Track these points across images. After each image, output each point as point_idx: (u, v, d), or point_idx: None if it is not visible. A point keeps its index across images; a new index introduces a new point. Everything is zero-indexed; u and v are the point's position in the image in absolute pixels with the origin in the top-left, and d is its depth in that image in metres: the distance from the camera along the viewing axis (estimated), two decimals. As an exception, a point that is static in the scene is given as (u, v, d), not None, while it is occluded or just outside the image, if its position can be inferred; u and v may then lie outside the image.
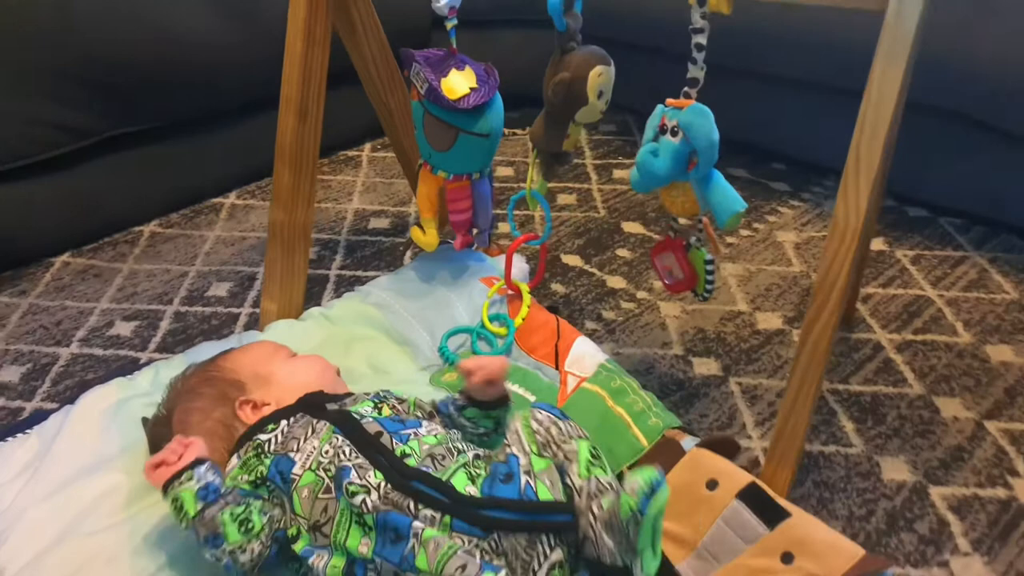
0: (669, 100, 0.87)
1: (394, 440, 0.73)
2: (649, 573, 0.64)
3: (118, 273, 1.32)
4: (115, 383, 0.98)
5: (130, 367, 1.06)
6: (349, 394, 0.85)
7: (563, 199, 1.53)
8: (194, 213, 1.50)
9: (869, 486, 0.90)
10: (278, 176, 1.10)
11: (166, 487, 0.70)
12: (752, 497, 0.77)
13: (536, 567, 0.65)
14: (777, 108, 1.58)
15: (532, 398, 0.96)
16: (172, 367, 0.98)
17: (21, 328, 1.19)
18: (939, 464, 0.93)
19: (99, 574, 0.75)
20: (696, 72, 0.85)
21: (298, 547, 0.70)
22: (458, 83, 0.99)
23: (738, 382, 1.05)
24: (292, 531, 0.70)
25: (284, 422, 0.77)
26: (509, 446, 0.74)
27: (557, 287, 1.26)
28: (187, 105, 1.43)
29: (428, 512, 0.67)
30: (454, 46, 1.02)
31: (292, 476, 0.71)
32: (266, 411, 0.80)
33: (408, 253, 1.37)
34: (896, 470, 0.92)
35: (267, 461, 0.73)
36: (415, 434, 0.75)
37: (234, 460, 0.76)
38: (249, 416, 0.80)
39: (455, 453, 0.74)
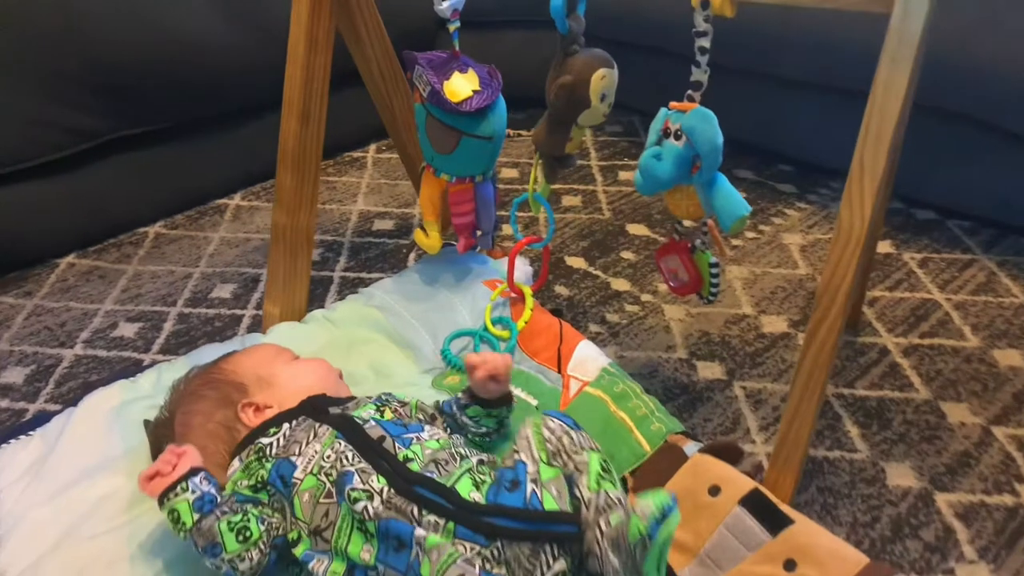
0: (672, 103, 0.87)
1: (397, 444, 0.73)
2: None
3: (122, 274, 1.32)
4: (117, 385, 0.98)
5: (133, 369, 1.07)
6: (352, 397, 0.84)
7: (568, 201, 1.53)
8: (199, 214, 1.51)
9: (874, 492, 0.89)
10: (281, 179, 1.10)
11: (161, 498, 0.70)
12: (755, 504, 0.76)
13: (539, 577, 0.65)
14: (784, 109, 1.57)
15: (534, 402, 0.95)
16: (175, 369, 0.98)
17: (26, 329, 1.19)
18: (945, 470, 0.92)
19: (99, 577, 0.75)
20: (699, 75, 0.84)
21: (298, 551, 0.70)
22: (461, 86, 0.99)
23: (742, 386, 1.05)
24: (293, 535, 0.70)
25: (286, 425, 0.77)
26: (518, 452, 0.74)
27: (561, 289, 1.26)
28: (192, 107, 1.43)
29: (431, 518, 0.67)
30: (457, 48, 1.02)
31: (293, 480, 0.71)
32: (268, 414, 0.80)
33: (412, 255, 1.37)
34: (902, 476, 0.91)
35: (268, 465, 0.73)
36: (417, 438, 0.75)
37: (236, 463, 0.76)
38: (251, 419, 0.80)
39: (459, 458, 0.74)
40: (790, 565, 0.72)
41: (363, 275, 1.31)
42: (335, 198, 1.56)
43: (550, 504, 0.68)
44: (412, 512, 0.67)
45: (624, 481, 0.83)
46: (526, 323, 1.06)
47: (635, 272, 1.30)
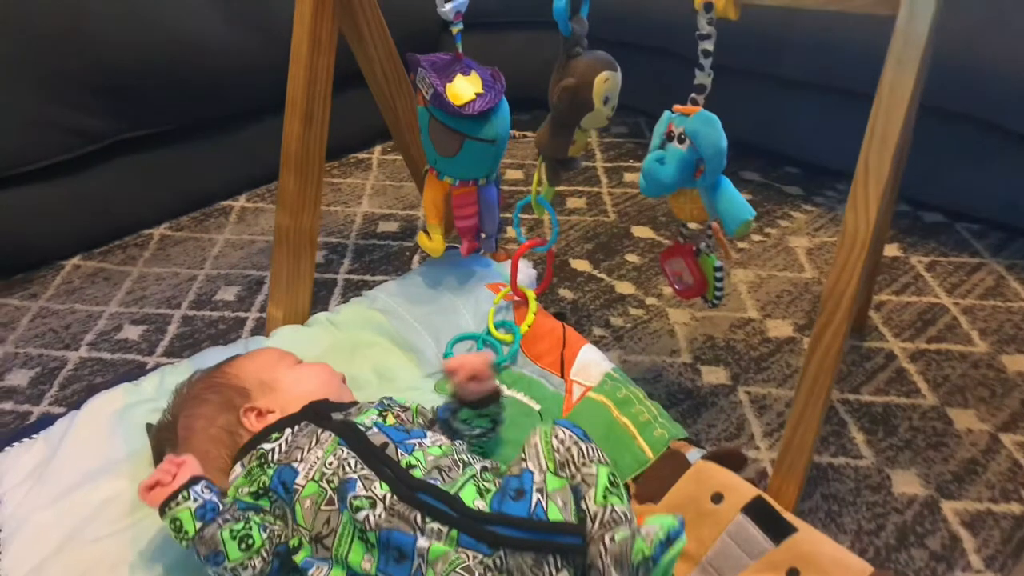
0: (676, 106, 0.86)
1: (399, 451, 0.73)
2: None
3: (127, 276, 1.33)
4: (121, 388, 0.98)
5: (137, 372, 1.07)
6: (354, 403, 0.84)
7: (573, 203, 1.52)
8: (204, 216, 1.51)
9: (879, 500, 0.88)
10: (284, 182, 1.10)
11: (163, 508, 0.70)
12: (758, 511, 0.75)
13: (542, 587, 0.64)
14: (790, 111, 1.56)
15: (537, 407, 0.95)
16: (178, 372, 0.98)
17: (31, 331, 1.19)
18: (952, 478, 0.91)
19: (101, 581, 0.75)
20: (703, 78, 0.84)
21: (299, 558, 0.70)
22: (463, 88, 0.98)
23: (747, 391, 1.04)
24: (294, 542, 0.70)
25: (288, 431, 0.77)
26: (525, 460, 0.73)
27: (565, 292, 1.25)
28: (196, 108, 1.43)
29: (435, 525, 0.66)
30: (460, 51, 1.02)
31: (295, 487, 0.71)
32: (271, 419, 0.80)
33: (416, 257, 1.36)
34: (907, 483, 0.90)
35: (270, 472, 0.72)
36: (420, 444, 0.75)
37: (238, 468, 0.76)
38: (254, 424, 0.80)
39: (462, 465, 0.74)
40: (793, 574, 0.71)
41: (367, 277, 1.31)
42: (340, 200, 1.56)
43: (555, 515, 0.68)
44: (415, 519, 0.66)
45: (626, 488, 0.83)
46: (529, 327, 1.05)
47: (640, 275, 1.29)
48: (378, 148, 1.77)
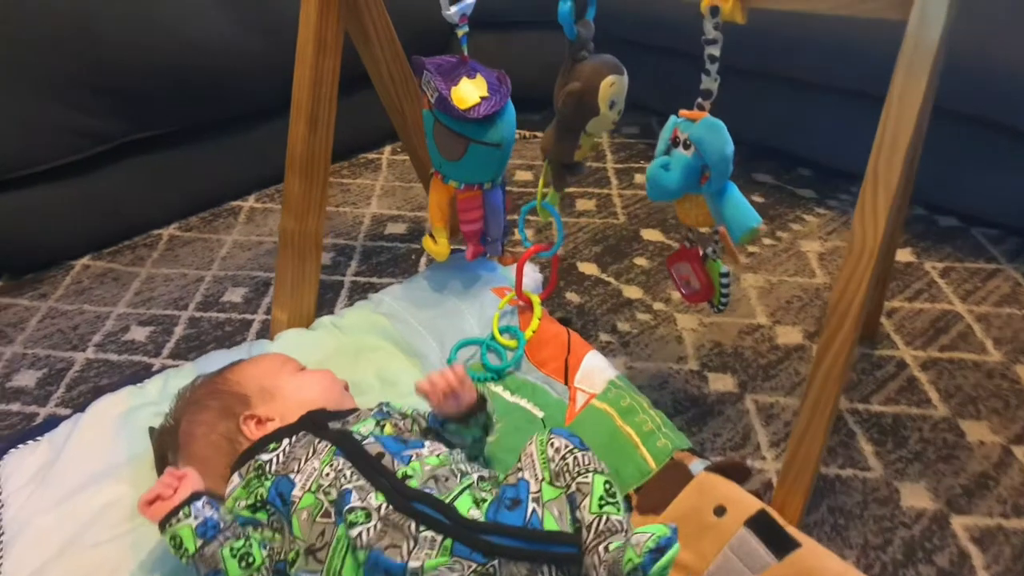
0: (682, 111, 0.85)
1: (396, 461, 0.72)
2: None
3: (136, 277, 1.33)
4: (125, 391, 0.98)
5: (143, 373, 1.07)
6: (353, 410, 0.84)
7: (582, 204, 1.51)
8: (213, 216, 1.51)
9: (887, 513, 0.87)
10: (289, 184, 1.09)
11: (163, 523, 0.70)
12: (761, 525, 0.74)
13: (536, 597, 0.64)
14: (804, 112, 1.54)
15: (540, 414, 0.94)
16: (182, 376, 0.98)
17: (39, 332, 1.20)
18: (962, 492, 0.89)
19: (101, 586, 0.76)
20: (709, 83, 0.82)
21: (292, 571, 0.69)
22: (468, 92, 0.97)
23: (754, 399, 1.02)
24: (291, 556, 0.69)
25: (286, 441, 0.76)
26: (521, 470, 0.73)
27: (572, 296, 1.24)
28: (205, 109, 1.43)
29: (429, 534, 0.66)
30: (465, 53, 1.01)
31: (292, 498, 0.71)
32: (270, 427, 0.80)
33: (423, 260, 1.36)
34: (916, 497, 0.88)
35: (267, 483, 0.72)
36: (417, 455, 0.74)
37: (236, 479, 0.75)
38: (253, 431, 0.80)
39: (459, 475, 0.73)
40: (796, 590, 0.70)
41: (374, 280, 1.31)
42: (349, 200, 1.56)
43: (550, 524, 0.68)
44: (410, 528, 0.66)
45: (628, 499, 0.82)
46: (534, 332, 1.04)
47: (648, 279, 1.28)
48: (388, 148, 1.76)
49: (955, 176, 1.36)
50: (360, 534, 0.65)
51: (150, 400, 0.96)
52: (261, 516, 0.71)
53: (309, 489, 0.70)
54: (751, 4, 0.79)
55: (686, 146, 0.82)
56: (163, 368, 1.07)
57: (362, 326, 1.09)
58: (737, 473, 0.81)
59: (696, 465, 0.83)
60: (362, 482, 0.70)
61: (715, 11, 0.79)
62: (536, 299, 1.08)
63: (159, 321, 1.22)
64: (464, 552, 0.65)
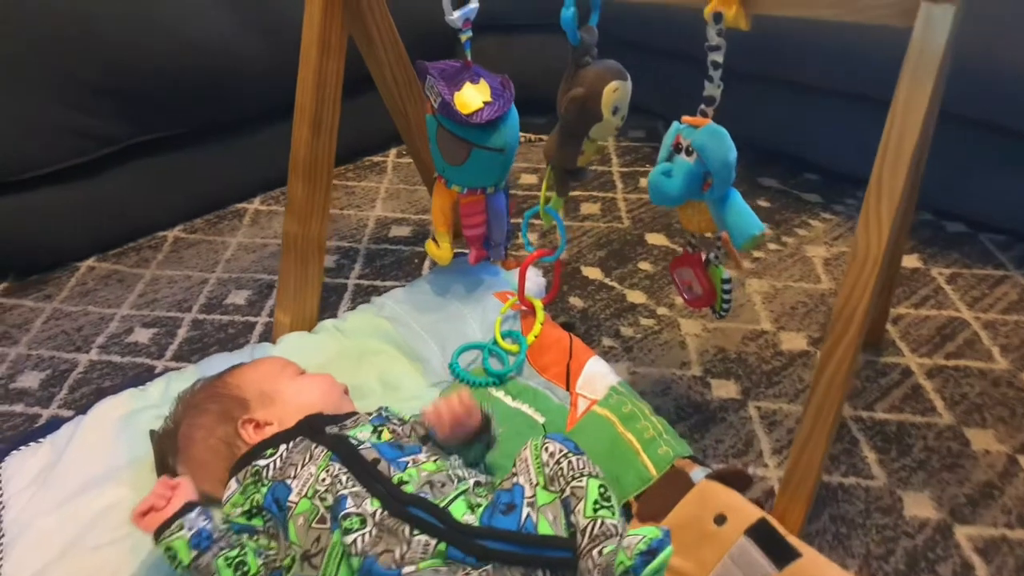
0: (685, 117, 0.84)
1: (391, 467, 0.72)
2: None
3: (140, 279, 1.33)
4: (127, 394, 0.99)
5: (145, 375, 1.07)
6: (352, 414, 0.84)
7: (587, 208, 1.50)
8: (218, 219, 1.51)
9: (890, 523, 0.86)
10: (292, 188, 1.09)
11: (157, 535, 0.70)
12: (761, 534, 0.74)
13: (530, 601, 0.63)
14: (812, 116, 1.53)
15: (541, 420, 0.94)
16: (183, 379, 0.99)
17: (44, 333, 1.20)
18: (966, 501, 0.88)
19: (101, 590, 0.76)
20: (712, 90, 0.82)
21: (288, 576, 0.69)
22: (471, 97, 0.97)
23: (757, 406, 1.02)
24: (287, 562, 0.69)
25: (283, 446, 0.76)
26: (516, 474, 0.73)
27: (575, 301, 1.24)
28: (210, 111, 1.44)
29: (423, 538, 0.66)
30: (469, 58, 1.00)
31: (288, 504, 0.71)
32: (268, 431, 0.80)
33: (426, 263, 1.36)
34: (920, 506, 0.88)
35: (263, 489, 0.72)
36: (414, 461, 0.74)
37: (233, 484, 0.75)
38: (251, 436, 0.80)
39: (455, 480, 0.73)
40: (796, 600, 0.70)
41: (377, 283, 1.30)
42: (353, 203, 1.56)
43: (544, 529, 0.68)
44: (404, 532, 0.66)
45: (628, 506, 0.81)
46: (536, 337, 1.04)
47: (652, 284, 1.27)
48: (393, 151, 1.76)
49: (963, 181, 1.35)
50: (355, 541, 0.65)
51: (152, 403, 0.96)
52: (257, 523, 0.71)
53: (305, 495, 0.70)
54: (755, 10, 0.79)
55: (688, 152, 0.82)
56: (166, 370, 1.08)
57: (364, 330, 1.09)
58: (739, 481, 0.81)
59: (697, 473, 0.82)
60: (358, 488, 0.70)
61: (718, 17, 0.78)
62: (538, 304, 1.08)
63: (163, 323, 1.22)
64: (458, 556, 0.65)
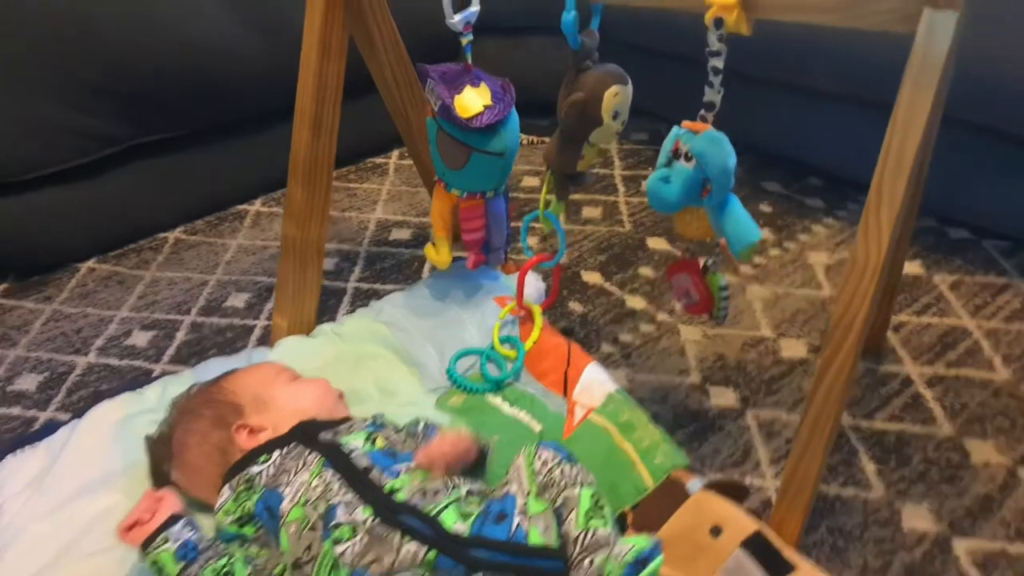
0: (685, 122, 0.84)
1: (384, 475, 0.72)
2: None
3: (140, 281, 1.33)
4: (123, 398, 0.98)
5: (143, 379, 1.07)
6: (346, 419, 0.83)
7: (588, 212, 1.50)
8: (219, 220, 1.51)
9: (887, 535, 0.85)
10: (291, 190, 1.09)
11: (143, 548, 0.69)
12: (757, 547, 0.73)
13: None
14: (815, 121, 1.52)
15: (538, 427, 0.93)
16: (180, 383, 0.98)
17: (43, 335, 1.20)
18: (965, 514, 0.87)
19: (95, 595, 0.75)
20: (712, 95, 0.81)
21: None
22: (472, 101, 0.97)
23: (756, 415, 1.01)
24: (278, 570, 0.69)
25: (277, 453, 0.76)
26: (509, 483, 0.73)
27: (575, 306, 1.23)
28: (212, 113, 1.44)
29: (413, 546, 0.65)
30: (469, 62, 1.00)
31: (280, 511, 0.70)
32: (262, 437, 0.80)
33: (426, 267, 1.35)
34: (918, 518, 0.87)
35: (255, 496, 0.72)
36: (407, 468, 0.73)
37: (227, 491, 0.75)
38: (245, 441, 0.80)
39: (448, 488, 0.72)
40: (791, 614, 0.69)
41: (377, 286, 1.30)
42: (355, 205, 1.56)
43: (535, 538, 0.67)
44: (394, 540, 0.66)
45: (623, 516, 0.81)
46: (534, 343, 1.04)
47: (652, 289, 1.27)
48: (395, 153, 1.76)
49: (966, 187, 1.34)
50: (345, 551, 0.65)
51: (148, 407, 0.96)
52: (248, 531, 0.71)
53: (297, 502, 0.70)
54: (756, 15, 0.78)
55: (687, 158, 0.81)
56: (163, 374, 1.08)
57: (362, 334, 1.09)
58: (735, 492, 0.80)
59: (694, 483, 0.81)
60: (350, 496, 0.69)
61: (719, 23, 0.78)
62: (537, 309, 1.07)
63: (161, 326, 1.22)
64: (447, 564, 0.65)
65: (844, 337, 0.75)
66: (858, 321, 0.75)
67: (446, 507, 0.69)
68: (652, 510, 0.80)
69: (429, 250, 1.10)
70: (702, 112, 0.83)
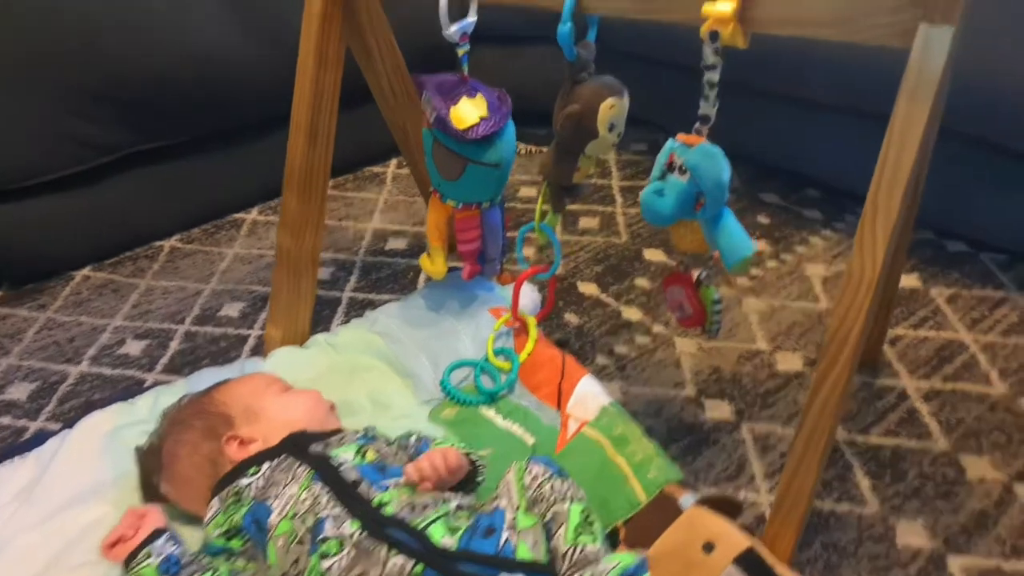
0: (680, 135, 0.84)
1: (372, 489, 0.71)
2: None
3: (135, 289, 1.33)
4: (114, 408, 0.98)
5: (135, 389, 1.06)
6: (338, 431, 0.83)
7: (585, 222, 1.49)
8: (215, 229, 1.51)
9: (882, 551, 0.84)
10: (287, 200, 1.09)
11: (126, 564, 0.69)
12: (750, 564, 0.72)
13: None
14: (813, 132, 1.52)
15: (531, 440, 0.93)
16: (172, 393, 0.98)
17: (35, 344, 1.20)
18: (960, 530, 0.86)
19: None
20: (707, 109, 0.81)
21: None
22: (467, 112, 0.96)
23: (751, 428, 1.00)
24: (264, 583, 0.69)
25: (267, 465, 0.76)
26: (498, 497, 0.73)
27: (570, 317, 1.23)
28: (210, 121, 1.43)
29: (400, 560, 0.65)
30: (466, 72, 1.00)
31: (268, 525, 0.70)
32: (252, 448, 0.79)
33: (422, 277, 1.35)
34: (913, 534, 0.86)
35: (243, 509, 0.71)
36: (396, 483, 0.73)
37: (216, 503, 0.75)
38: (235, 453, 0.79)
39: (438, 502, 0.72)
40: (784, 632, 0.68)
41: (372, 296, 1.30)
42: (351, 214, 1.55)
43: (524, 553, 0.66)
44: (380, 554, 0.65)
45: (616, 531, 0.80)
46: (528, 355, 1.03)
47: (648, 301, 1.26)
48: (393, 162, 1.76)
49: (964, 200, 1.34)
50: (331, 567, 0.64)
51: (139, 418, 0.95)
52: (235, 544, 0.71)
53: (286, 516, 0.69)
54: (752, 29, 0.78)
55: (682, 171, 0.81)
56: (156, 384, 1.07)
57: (356, 345, 1.08)
58: (728, 508, 0.79)
59: (686, 499, 0.81)
60: (338, 509, 0.69)
61: (715, 36, 0.78)
62: (532, 321, 1.07)
63: (155, 335, 1.21)
64: None
65: (840, 350, 0.75)
66: (854, 334, 0.74)
67: (434, 521, 0.69)
68: (645, 525, 0.80)
69: (424, 260, 1.10)
70: (697, 125, 0.82)
